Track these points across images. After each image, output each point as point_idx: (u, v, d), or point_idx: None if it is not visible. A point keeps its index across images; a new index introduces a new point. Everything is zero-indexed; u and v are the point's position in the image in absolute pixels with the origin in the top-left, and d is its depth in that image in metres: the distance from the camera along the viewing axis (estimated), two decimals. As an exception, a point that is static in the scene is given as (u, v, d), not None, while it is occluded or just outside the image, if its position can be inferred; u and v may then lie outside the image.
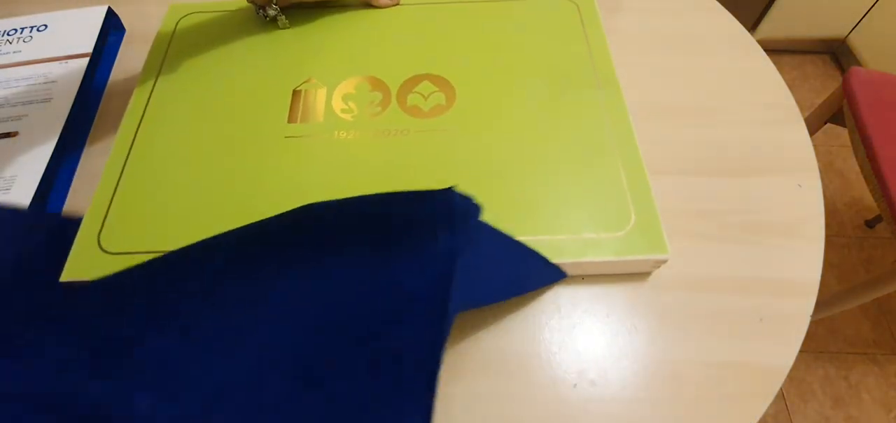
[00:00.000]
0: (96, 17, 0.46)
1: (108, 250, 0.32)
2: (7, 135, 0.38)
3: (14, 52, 0.44)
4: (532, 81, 0.41)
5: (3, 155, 0.37)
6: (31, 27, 0.46)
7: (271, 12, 0.43)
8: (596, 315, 0.33)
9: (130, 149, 0.37)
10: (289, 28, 0.45)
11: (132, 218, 0.34)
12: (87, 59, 0.43)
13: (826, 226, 0.36)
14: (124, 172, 0.36)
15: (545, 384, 0.30)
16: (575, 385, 0.30)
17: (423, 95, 0.40)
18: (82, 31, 0.45)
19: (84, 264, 0.32)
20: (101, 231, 0.33)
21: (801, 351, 0.31)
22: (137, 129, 0.38)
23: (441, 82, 0.41)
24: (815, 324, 1.03)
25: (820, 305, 0.81)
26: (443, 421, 0.29)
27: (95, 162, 0.40)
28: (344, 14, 0.46)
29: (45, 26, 0.46)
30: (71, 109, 0.40)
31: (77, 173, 0.40)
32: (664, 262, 0.33)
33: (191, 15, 0.46)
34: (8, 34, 0.45)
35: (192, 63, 0.43)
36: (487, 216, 0.33)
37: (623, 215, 0.33)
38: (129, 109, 0.39)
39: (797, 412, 0.96)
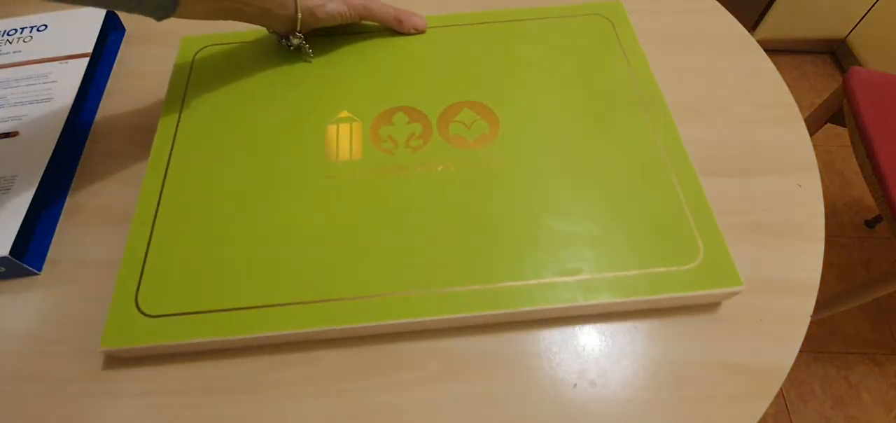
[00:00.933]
0: (96, 17, 0.46)
1: (149, 312, 0.30)
2: (7, 135, 0.38)
3: (14, 52, 0.44)
4: (575, 103, 0.39)
5: (3, 155, 0.37)
6: (31, 27, 0.46)
7: (295, 41, 0.41)
8: (596, 315, 0.33)
9: (160, 197, 0.35)
10: (314, 58, 0.43)
11: (171, 274, 0.31)
12: (87, 60, 0.43)
13: (826, 226, 0.36)
14: (156, 223, 0.34)
15: (545, 384, 0.30)
16: (575, 385, 0.30)
17: (466, 124, 0.38)
18: (82, 31, 0.45)
19: (124, 329, 0.30)
20: (138, 292, 0.31)
21: (801, 351, 0.31)
22: (165, 175, 0.36)
23: (482, 109, 0.39)
24: (815, 324, 1.03)
25: (820, 305, 0.81)
26: (443, 421, 0.29)
27: (95, 162, 0.40)
28: (369, 41, 0.44)
29: (45, 26, 0.46)
30: (71, 109, 0.40)
31: (77, 173, 0.40)
32: (737, 294, 0.31)
33: (208, 48, 0.44)
34: (8, 34, 0.45)
35: (216, 102, 0.40)
36: (549, 255, 0.31)
37: (691, 245, 0.32)
38: (153, 155, 0.37)
39: (797, 412, 0.96)
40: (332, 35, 0.44)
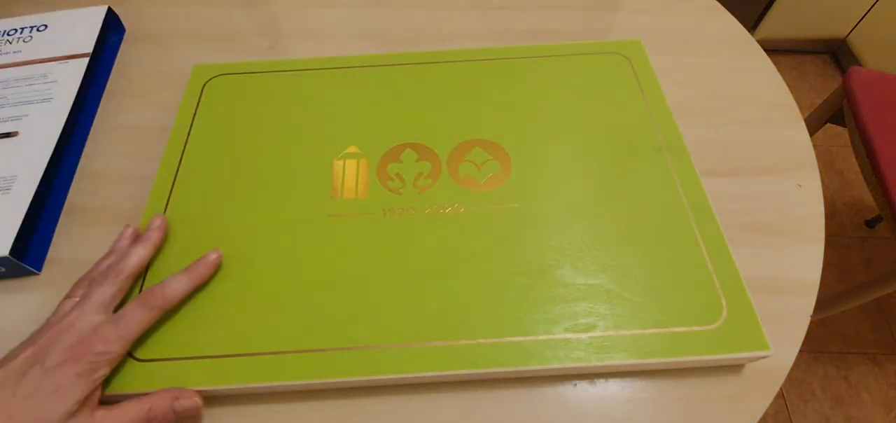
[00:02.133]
0: (96, 17, 0.46)
1: (140, 357, 0.29)
2: (7, 135, 0.38)
3: (14, 52, 0.44)
4: (593, 147, 0.37)
5: (3, 155, 0.37)
6: (31, 27, 0.46)
7: None
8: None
9: None
10: (324, 92, 0.41)
11: (164, 319, 0.30)
12: (87, 59, 0.43)
13: (826, 226, 0.36)
14: (151, 266, 0.32)
15: (545, 383, 0.30)
16: (575, 385, 0.30)
17: (477, 164, 0.36)
18: (82, 31, 0.45)
19: (114, 374, 0.28)
20: None
21: (801, 351, 0.31)
22: (166, 210, 0.35)
23: (494, 149, 0.37)
24: (815, 324, 1.03)
25: (820, 305, 0.81)
26: (443, 421, 0.29)
27: (96, 162, 0.40)
28: (379, 76, 0.42)
29: (45, 26, 0.46)
30: (71, 109, 0.40)
31: (77, 173, 0.40)
32: (764, 358, 0.30)
33: (217, 77, 0.42)
34: (8, 34, 0.45)
35: (223, 134, 0.39)
36: (561, 309, 0.30)
37: (714, 304, 0.30)
38: (154, 191, 0.36)
39: (797, 412, 0.96)
40: (338, 68, 0.43)
